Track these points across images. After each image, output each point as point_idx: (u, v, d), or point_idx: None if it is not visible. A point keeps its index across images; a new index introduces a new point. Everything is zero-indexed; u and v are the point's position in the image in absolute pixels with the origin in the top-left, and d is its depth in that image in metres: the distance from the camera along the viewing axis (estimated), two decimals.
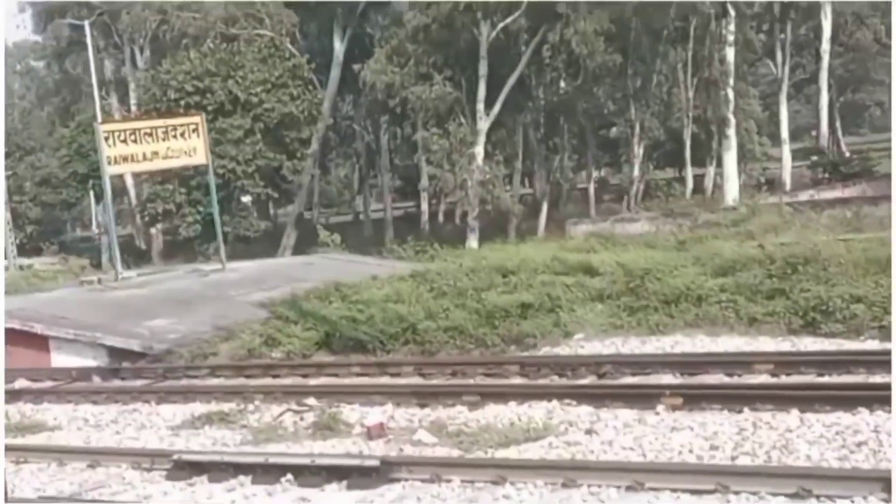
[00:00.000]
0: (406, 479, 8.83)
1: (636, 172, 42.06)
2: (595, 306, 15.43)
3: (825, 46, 42.95)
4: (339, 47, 41.58)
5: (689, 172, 40.90)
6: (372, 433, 10.78)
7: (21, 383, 16.86)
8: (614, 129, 45.12)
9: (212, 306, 19.87)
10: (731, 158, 36.19)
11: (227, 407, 12.84)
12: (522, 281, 16.60)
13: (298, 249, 40.83)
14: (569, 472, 8.13)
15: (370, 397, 12.25)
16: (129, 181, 48.02)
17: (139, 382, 15.77)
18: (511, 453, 9.51)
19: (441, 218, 46.14)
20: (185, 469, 10.01)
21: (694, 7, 36.61)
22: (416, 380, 13.36)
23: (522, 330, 14.89)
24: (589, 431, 9.74)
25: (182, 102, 33.68)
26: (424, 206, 44.22)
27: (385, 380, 13.83)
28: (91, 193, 42.45)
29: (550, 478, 8.11)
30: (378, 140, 45.02)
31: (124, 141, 24.00)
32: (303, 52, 40.36)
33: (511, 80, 36.22)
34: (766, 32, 46.09)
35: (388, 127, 44.53)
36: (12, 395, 15.48)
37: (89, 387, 15.43)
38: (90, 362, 17.94)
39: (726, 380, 11.47)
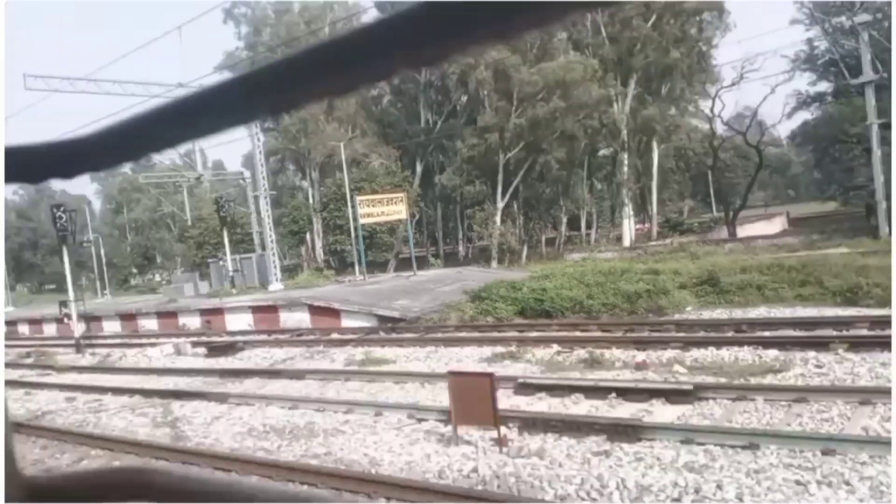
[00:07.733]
0: (714, 398, 10.60)
1: (564, 227, 67.61)
2: (682, 292, 21.17)
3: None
4: (419, 168, 69.79)
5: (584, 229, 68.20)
6: (639, 366, 13.14)
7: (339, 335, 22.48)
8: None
9: (426, 294, 26.46)
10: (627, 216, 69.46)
11: (504, 350, 16.51)
12: (639, 278, 21.83)
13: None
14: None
15: (598, 344, 15.77)
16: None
17: (408, 335, 21.04)
18: (770, 381, 11.49)
19: (462, 255, 70.74)
20: (527, 388, 12.63)
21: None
22: (629, 333, 17.23)
23: (658, 304, 20.00)
24: (819, 366, 12.37)
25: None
26: (461, 248, 74.87)
27: (578, 333, 17.93)
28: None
29: (830, 396, 10.33)
30: (435, 215, 75.50)
31: (370, 204, 40.22)
32: None
33: (513, 185, 65.00)
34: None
35: (444, 208, 75.68)
36: (350, 343, 21.00)
37: (389, 338, 21.00)
38: (365, 324, 24.50)
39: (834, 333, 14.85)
